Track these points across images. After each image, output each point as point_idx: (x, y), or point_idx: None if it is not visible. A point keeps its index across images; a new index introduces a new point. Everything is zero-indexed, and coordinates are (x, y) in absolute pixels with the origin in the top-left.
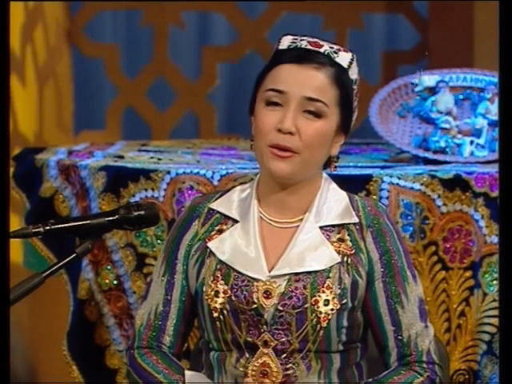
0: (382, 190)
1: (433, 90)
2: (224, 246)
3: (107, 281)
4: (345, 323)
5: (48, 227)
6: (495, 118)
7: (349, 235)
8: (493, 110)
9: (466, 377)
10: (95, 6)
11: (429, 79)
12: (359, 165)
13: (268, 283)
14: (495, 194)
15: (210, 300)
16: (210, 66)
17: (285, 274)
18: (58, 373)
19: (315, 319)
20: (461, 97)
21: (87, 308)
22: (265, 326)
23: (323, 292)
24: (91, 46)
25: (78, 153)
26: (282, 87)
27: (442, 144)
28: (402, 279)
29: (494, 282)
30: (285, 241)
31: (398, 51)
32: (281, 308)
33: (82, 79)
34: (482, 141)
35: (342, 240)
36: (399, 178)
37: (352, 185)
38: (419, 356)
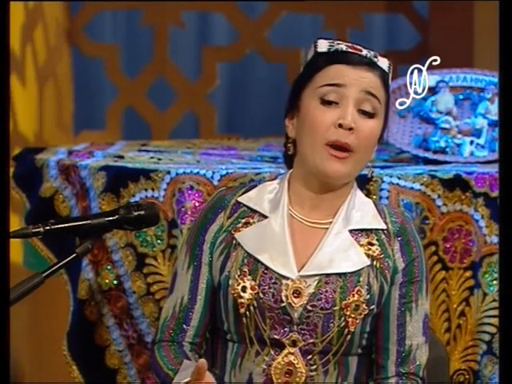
0: (382, 190)
1: (433, 90)
2: (251, 237)
3: (107, 281)
4: (367, 328)
5: (48, 227)
6: (495, 118)
7: (377, 240)
8: (493, 110)
9: (466, 377)
10: (95, 5)
11: (429, 79)
12: None
13: (298, 282)
14: (495, 194)
15: (236, 295)
16: (210, 66)
17: (315, 275)
18: (58, 373)
19: (343, 323)
20: (461, 97)
21: (87, 308)
22: (295, 326)
23: (353, 296)
24: (91, 45)
25: (78, 153)
26: (340, 81)
27: (442, 144)
28: (417, 289)
29: (494, 282)
30: (314, 240)
31: (397, 51)
32: (309, 308)
33: (81, 79)
34: (482, 141)
35: (371, 244)
36: (399, 178)
37: None
38: (417, 370)
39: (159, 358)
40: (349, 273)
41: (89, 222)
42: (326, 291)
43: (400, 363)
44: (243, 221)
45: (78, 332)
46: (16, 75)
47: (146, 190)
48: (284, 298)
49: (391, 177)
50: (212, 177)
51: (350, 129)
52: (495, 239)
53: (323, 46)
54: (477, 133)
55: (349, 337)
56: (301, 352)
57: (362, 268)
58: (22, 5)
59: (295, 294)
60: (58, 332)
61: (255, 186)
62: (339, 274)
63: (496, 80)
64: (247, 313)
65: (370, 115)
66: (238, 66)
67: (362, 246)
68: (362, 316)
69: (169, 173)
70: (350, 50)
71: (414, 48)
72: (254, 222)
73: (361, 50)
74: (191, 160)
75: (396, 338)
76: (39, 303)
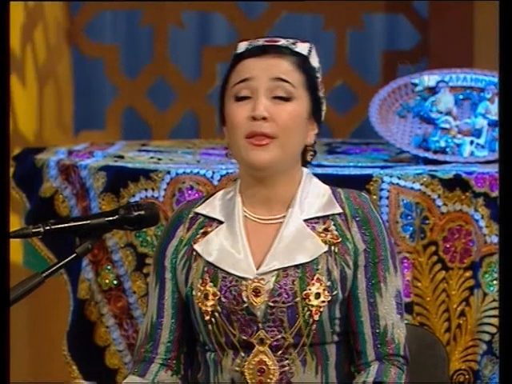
0: (382, 189)
1: (433, 90)
2: (210, 247)
3: (107, 281)
4: (337, 314)
5: (48, 227)
6: (495, 118)
7: (334, 225)
8: (493, 110)
9: (466, 377)
10: (95, 5)
11: (429, 79)
12: (359, 165)
13: (256, 281)
14: (495, 194)
15: (200, 303)
16: (209, 65)
17: (272, 270)
18: (58, 373)
19: (307, 313)
20: (461, 97)
21: (87, 308)
22: (260, 324)
23: (313, 285)
24: (91, 46)
25: (78, 153)
26: (247, 75)
27: (442, 144)
28: (383, 268)
29: (494, 281)
30: (270, 237)
31: (398, 51)
32: (272, 304)
33: (82, 79)
34: (482, 141)
35: (327, 230)
36: (399, 178)
37: (352, 185)
38: (397, 349)
39: (128, 379)
40: (306, 263)
41: (89, 222)
42: (285, 284)
43: (378, 345)
44: (201, 231)
45: (78, 332)
46: (16, 75)
47: (146, 190)
48: (245, 299)
49: (391, 177)
50: (212, 177)
51: (264, 118)
52: (495, 239)
53: (242, 47)
54: (477, 133)
55: (315, 326)
56: (271, 349)
57: (320, 255)
58: (22, 5)
59: (254, 293)
60: (58, 332)
61: (212, 195)
62: (297, 266)
63: (496, 80)
64: (213, 319)
65: (285, 99)
66: None
67: (318, 233)
68: (326, 303)
69: (169, 173)
70: (266, 43)
71: (414, 48)
72: (212, 230)
73: (277, 41)
74: (191, 160)
75: (369, 320)
76: (39, 303)
